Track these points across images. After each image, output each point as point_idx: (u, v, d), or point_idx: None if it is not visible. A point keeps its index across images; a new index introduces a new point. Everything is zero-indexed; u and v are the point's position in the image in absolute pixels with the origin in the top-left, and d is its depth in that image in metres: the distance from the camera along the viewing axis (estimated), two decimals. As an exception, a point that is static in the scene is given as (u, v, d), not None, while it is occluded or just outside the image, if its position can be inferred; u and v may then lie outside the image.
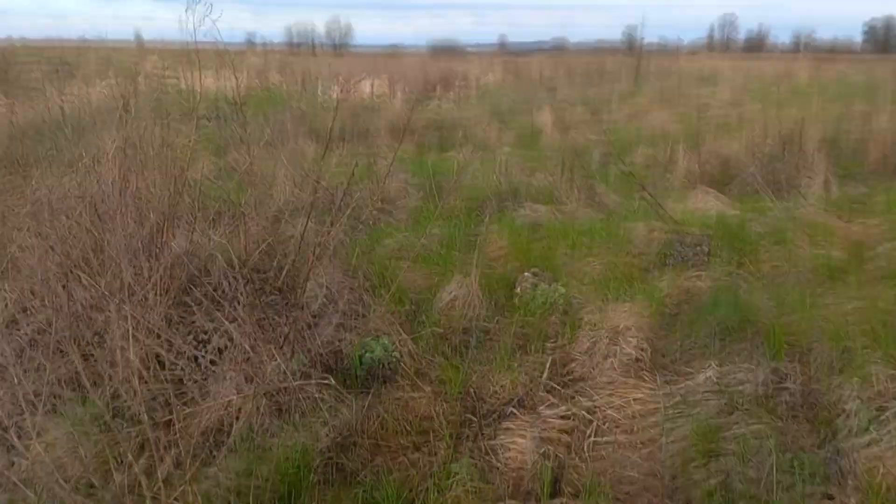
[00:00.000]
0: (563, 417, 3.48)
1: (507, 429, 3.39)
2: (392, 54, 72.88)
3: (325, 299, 4.47)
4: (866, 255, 5.77)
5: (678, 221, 6.36)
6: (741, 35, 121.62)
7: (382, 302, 4.42)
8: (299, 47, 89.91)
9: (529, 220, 6.70)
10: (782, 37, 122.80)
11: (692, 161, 8.85)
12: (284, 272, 4.51)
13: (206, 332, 3.81)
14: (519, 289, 4.97)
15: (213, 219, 5.17)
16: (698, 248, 5.71)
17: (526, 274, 5.08)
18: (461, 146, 12.08)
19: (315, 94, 18.31)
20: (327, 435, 3.29)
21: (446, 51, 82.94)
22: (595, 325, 4.35)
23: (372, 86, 20.11)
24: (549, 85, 22.52)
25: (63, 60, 32.73)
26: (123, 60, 37.22)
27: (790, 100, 17.70)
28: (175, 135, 5.74)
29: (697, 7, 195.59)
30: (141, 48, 61.67)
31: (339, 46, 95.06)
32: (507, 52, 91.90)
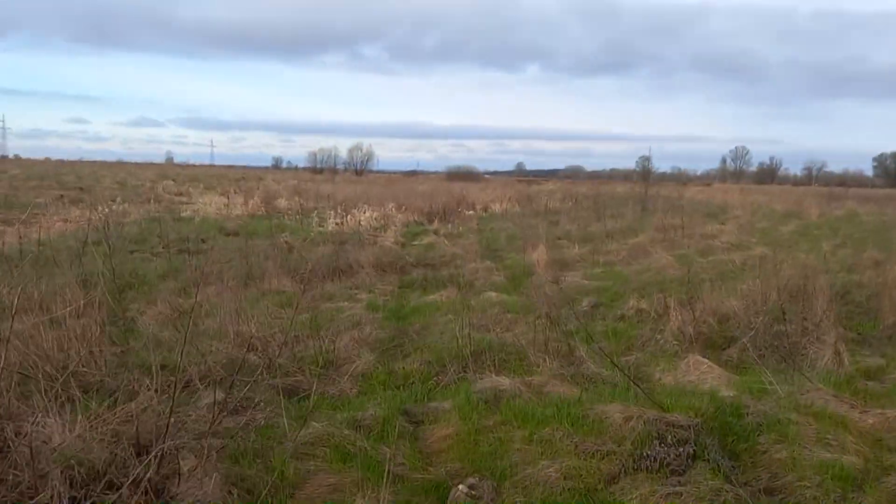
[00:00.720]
0: None
1: None
2: (407, 179, 74.06)
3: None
4: (886, 460, 4.71)
5: (662, 406, 5.35)
6: (752, 166, 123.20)
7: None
8: (321, 171, 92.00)
9: (490, 394, 5.72)
10: (793, 168, 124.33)
11: (686, 319, 7.90)
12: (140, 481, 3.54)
13: None
14: (451, 508, 3.95)
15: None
16: (682, 448, 4.67)
17: (461, 487, 4.06)
18: (446, 287, 11.24)
19: (310, 224, 17.72)
20: None
21: (462, 175, 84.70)
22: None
23: (367, 215, 19.59)
24: (553, 218, 21.93)
25: (77, 184, 33.05)
26: (139, 184, 37.57)
27: (798, 241, 16.94)
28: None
29: (711, 141, 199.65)
30: (163, 170, 63.04)
31: (361, 170, 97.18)
32: (523, 178, 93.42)
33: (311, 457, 4.37)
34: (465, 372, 6.34)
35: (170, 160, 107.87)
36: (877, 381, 6.58)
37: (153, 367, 4.91)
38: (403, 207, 26.38)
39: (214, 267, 11.94)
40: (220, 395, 5.15)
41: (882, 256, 13.30)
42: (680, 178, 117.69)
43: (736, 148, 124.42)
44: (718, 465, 4.53)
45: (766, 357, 7.18)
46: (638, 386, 5.65)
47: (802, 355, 7.00)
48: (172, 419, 3.70)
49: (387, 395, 5.76)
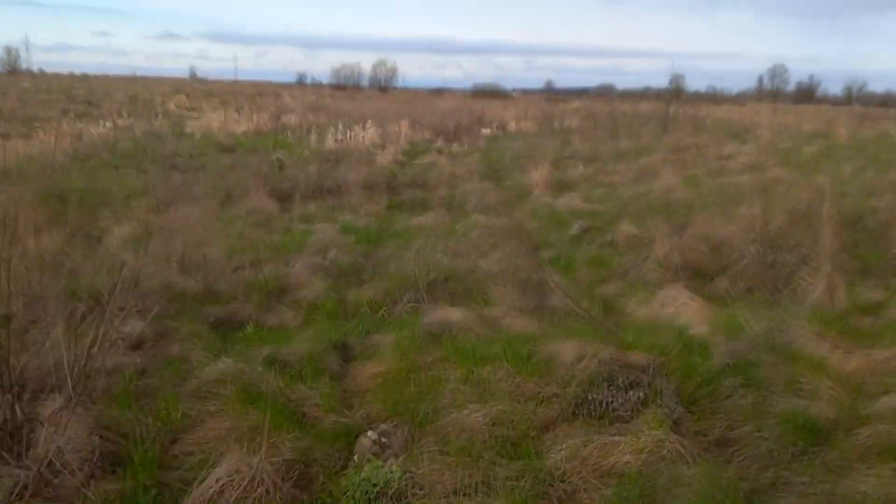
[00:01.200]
0: None
1: None
2: (431, 97, 72.60)
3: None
4: (862, 410, 4.19)
5: (623, 344, 4.84)
6: (791, 86, 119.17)
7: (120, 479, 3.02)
8: (345, 87, 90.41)
9: (438, 328, 5.25)
10: (833, 88, 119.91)
11: (674, 246, 7.30)
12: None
13: None
14: (357, 457, 3.54)
15: None
16: (631, 392, 4.19)
17: (368, 435, 3.64)
18: (436, 209, 10.71)
19: (308, 142, 17.12)
20: None
21: (488, 93, 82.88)
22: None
23: (370, 132, 18.91)
24: (567, 137, 21.07)
25: (87, 98, 32.55)
26: (151, 99, 36.97)
27: (820, 162, 16.01)
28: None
29: (749, 59, 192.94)
30: (182, 85, 62.28)
31: (385, 87, 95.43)
32: (551, 96, 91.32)
33: (214, 396, 3.96)
34: (420, 303, 5.86)
35: (193, 75, 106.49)
36: (873, 317, 5.99)
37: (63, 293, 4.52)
38: (416, 125, 25.60)
39: (195, 184, 11.53)
40: (137, 326, 4.76)
41: (905, 180, 12.45)
42: (714, 98, 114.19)
43: (774, 66, 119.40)
44: (670, 412, 4.05)
45: (756, 289, 6.61)
46: (595, 320, 5.13)
47: (795, 288, 6.41)
48: (34, 359, 3.27)
49: (327, 327, 5.32)
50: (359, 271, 6.93)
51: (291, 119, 27.07)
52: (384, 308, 5.82)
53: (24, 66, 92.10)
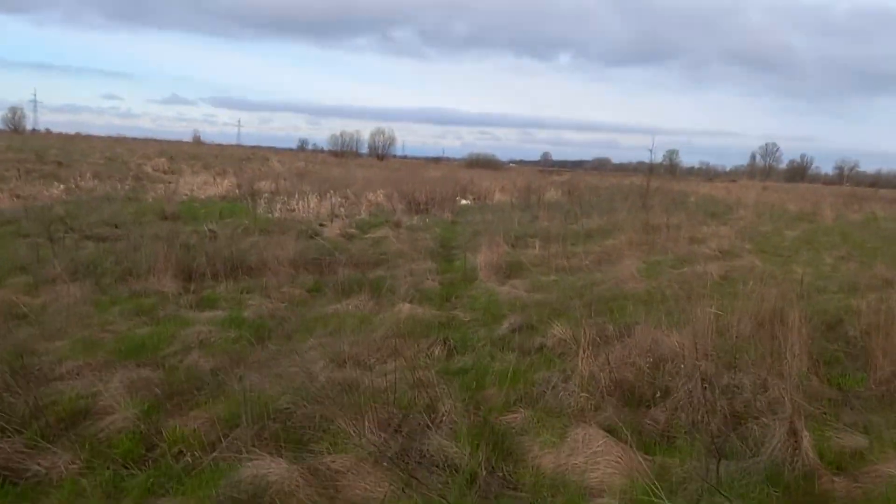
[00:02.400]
0: None
1: None
2: (427, 165, 72.17)
3: None
4: None
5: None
6: (783, 164, 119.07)
7: None
8: (344, 154, 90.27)
9: (247, 490, 3.72)
10: (825, 167, 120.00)
11: (605, 361, 5.80)
12: None
13: None
14: None
15: None
16: None
17: None
18: (362, 293, 9.25)
19: (256, 210, 15.76)
20: None
21: (482, 164, 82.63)
22: None
23: (332, 201, 17.60)
24: (539, 212, 19.78)
25: (59, 158, 31.39)
26: (129, 159, 35.95)
27: (800, 249, 14.62)
28: None
29: (742, 136, 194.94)
30: (170, 147, 61.63)
31: (382, 155, 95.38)
32: (546, 168, 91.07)
33: None
34: (243, 446, 4.32)
35: (197, 138, 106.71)
36: (849, 478, 4.46)
37: None
38: (393, 194, 24.41)
39: (99, 259, 10.13)
40: None
41: (892, 274, 11.01)
42: (707, 173, 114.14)
43: (766, 144, 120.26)
44: None
45: (701, 425, 5.09)
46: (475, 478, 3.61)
47: (748, 433, 4.89)
48: None
49: (92, 486, 3.78)
50: (199, 388, 5.40)
51: (263, 185, 25.91)
52: (193, 453, 4.28)
53: (30, 125, 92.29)
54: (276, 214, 15.40)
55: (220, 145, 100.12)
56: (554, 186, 36.42)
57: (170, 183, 25.67)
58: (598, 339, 6.52)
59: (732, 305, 8.10)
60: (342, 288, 9.52)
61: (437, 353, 6.65)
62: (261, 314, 8.00)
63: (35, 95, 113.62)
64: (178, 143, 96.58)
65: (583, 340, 5.92)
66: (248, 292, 9.17)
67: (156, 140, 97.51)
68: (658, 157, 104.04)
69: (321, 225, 14.31)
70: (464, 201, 27.56)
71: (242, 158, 45.95)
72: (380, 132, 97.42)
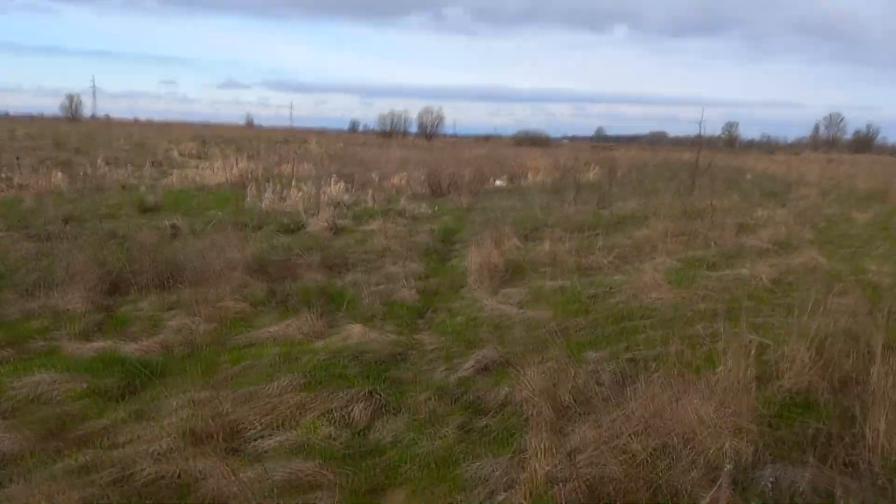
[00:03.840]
0: None
1: None
2: (475, 144, 69.98)
3: None
4: None
5: None
6: (847, 134, 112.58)
7: None
8: (391, 134, 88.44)
9: None
10: (893, 136, 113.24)
11: (581, 446, 3.73)
12: None
13: None
14: None
15: None
16: None
17: None
18: (311, 308, 7.33)
19: (242, 200, 13.95)
20: None
21: (531, 140, 79.89)
22: None
23: (336, 187, 15.68)
24: (567, 195, 17.49)
25: (77, 146, 30.18)
26: (158, 145, 34.74)
27: (873, 240, 12.04)
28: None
29: (805, 108, 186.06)
30: (217, 131, 60.81)
31: (430, 134, 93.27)
32: (599, 144, 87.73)
33: None
34: None
35: (250, 122, 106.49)
36: None
37: None
38: (421, 176, 22.44)
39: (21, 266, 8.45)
40: None
41: None
42: (768, 146, 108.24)
43: (830, 115, 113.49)
44: None
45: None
46: None
47: None
48: None
49: None
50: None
51: (282, 169, 24.21)
52: None
53: (89, 112, 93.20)
54: (265, 204, 13.56)
55: (272, 128, 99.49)
56: (599, 164, 33.91)
57: (195, 167, 24.23)
58: (579, 398, 4.46)
59: (785, 329, 5.94)
60: (290, 302, 7.61)
61: (356, 414, 4.66)
62: (159, 346, 6.14)
63: (94, 82, 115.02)
64: (232, 127, 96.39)
65: (545, 409, 3.85)
66: (173, 308, 7.34)
67: (212, 125, 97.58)
68: (716, 131, 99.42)
69: (313, 216, 12.40)
70: (498, 182, 25.48)
71: (279, 141, 44.47)
72: (428, 111, 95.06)
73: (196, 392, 4.88)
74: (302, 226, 11.80)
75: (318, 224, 11.63)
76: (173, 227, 10.76)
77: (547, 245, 10.09)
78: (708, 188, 18.67)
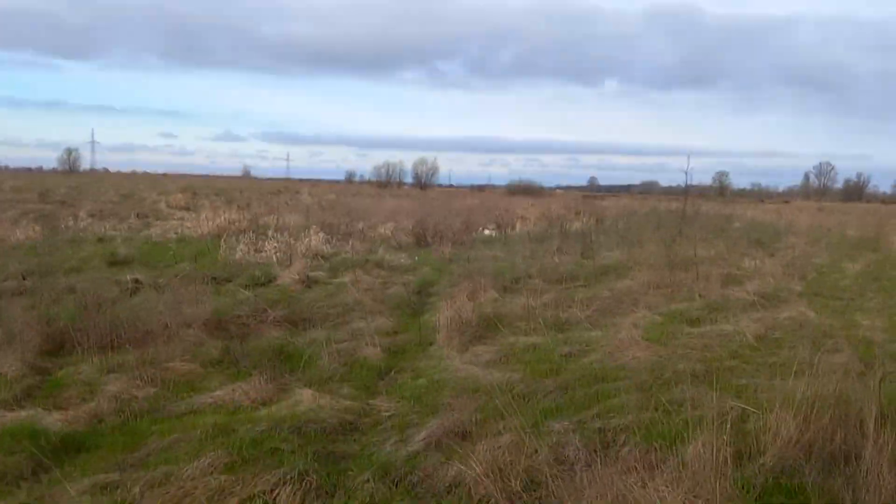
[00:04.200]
0: None
1: None
2: (469, 194, 69.91)
3: None
4: None
5: None
6: (838, 183, 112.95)
7: None
8: (387, 185, 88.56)
9: None
10: (883, 185, 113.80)
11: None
12: None
13: None
14: None
15: None
16: None
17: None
18: (263, 370, 6.80)
19: (217, 251, 13.46)
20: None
21: (524, 190, 79.98)
22: None
23: (315, 237, 15.22)
24: (552, 244, 17.07)
25: (67, 197, 29.84)
26: (147, 197, 34.40)
27: (865, 290, 11.56)
28: None
29: (795, 157, 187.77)
30: (227, 183, 60.63)
31: (425, 184, 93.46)
32: (590, 194, 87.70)
33: None
34: None
35: (247, 174, 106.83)
36: None
37: None
38: (403, 227, 22.08)
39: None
40: None
41: None
42: (759, 195, 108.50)
43: (820, 164, 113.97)
44: None
45: None
46: None
47: None
48: None
49: None
50: None
51: (268, 220, 23.81)
52: None
53: (88, 165, 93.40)
54: (239, 255, 13.07)
55: (269, 179, 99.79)
56: (588, 213, 33.64)
57: (180, 218, 23.83)
58: (534, 481, 3.91)
59: (769, 393, 5.44)
60: (242, 363, 7.07)
61: (282, 500, 4.09)
62: (87, 415, 5.59)
63: (93, 136, 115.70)
64: (229, 178, 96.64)
65: (495, 493, 3.30)
66: (115, 371, 6.78)
67: (209, 176, 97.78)
68: (706, 180, 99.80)
69: (287, 268, 11.90)
70: (487, 231, 25.12)
71: (272, 192, 44.18)
72: (422, 161, 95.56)
73: (106, 474, 4.32)
74: (273, 278, 11.30)
75: (289, 276, 11.13)
76: (135, 281, 10.26)
77: (523, 298, 9.57)
78: (695, 236, 18.28)
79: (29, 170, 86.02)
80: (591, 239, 18.95)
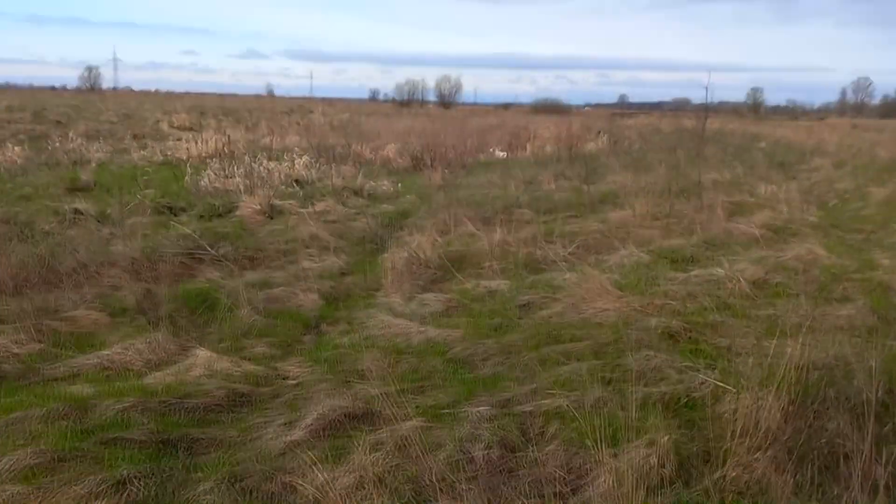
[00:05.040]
0: None
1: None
2: (491, 112, 67.82)
3: None
4: None
5: None
6: (876, 99, 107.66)
7: None
8: (408, 103, 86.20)
9: None
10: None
11: None
12: None
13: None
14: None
15: None
16: None
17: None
18: (183, 320, 5.86)
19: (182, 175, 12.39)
20: None
21: (550, 108, 77.45)
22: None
23: (302, 160, 14.10)
24: (555, 168, 15.76)
25: (58, 119, 28.59)
26: (151, 116, 33.29)
27: (889, 221, 10.19)
28: None
29: (833, 72, 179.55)
30: (246, 102, 59.38)
31: (448, 103, 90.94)
32: (619, 111, 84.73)
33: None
34: None
35: (270, 93, 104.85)
36: None
37: None
38: (410, 148, 20.80)
39: None
40: None
41: None
42: (793, 113, 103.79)
43: (858, 79, 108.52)
44: None
45: None
46: None
47: None
48: None
49: None
50: None
51: (265, 141, 22.66)
52: None
53: (112, 83, 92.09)
54: (204, 183, 12.00)
55: (292, 98, 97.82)
56: (608, 133, 31.92)
57: (178, 139, 22.73)
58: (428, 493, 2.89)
59: (754, 360, 4.35)
60: (152, 313, 6.09)
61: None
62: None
63: (115, 54, 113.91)
64: (251, 97, 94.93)
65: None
66: (3, 322, 5.85)
67: (231, 95, 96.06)
68: (740, 97, 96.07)
69: (245, 195, 10.83)
70: (499, 153, 23.80)
71: (284, 111, 42.72)
72: (446, 79, 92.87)
73: None
74: (234, 208, 10.25)
75: (250, 207, 10.06)
76: (75, 212, 9.28)
77: (498, 234, 8.42)
78: (710, 159, 16.82)
79: (53, 88, 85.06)
80: (599, 162, 17.60)
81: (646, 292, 6.01)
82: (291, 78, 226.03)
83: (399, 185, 13.20)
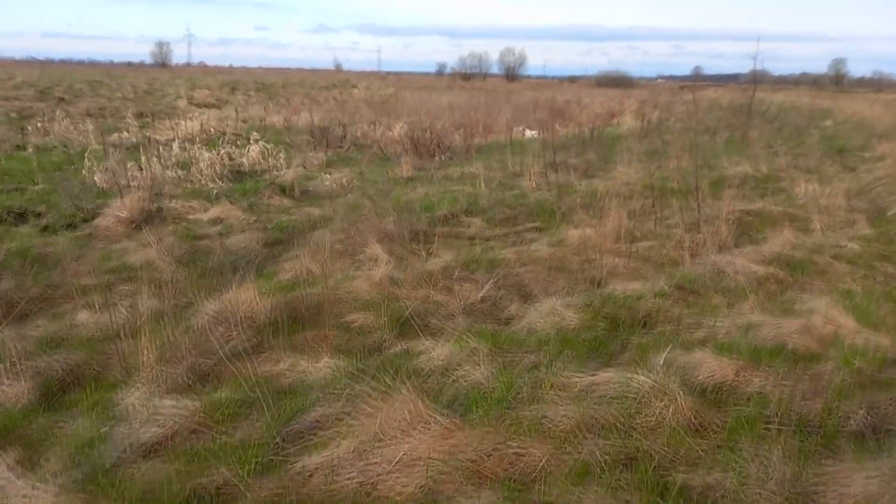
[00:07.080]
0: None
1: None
2: (556, 85, 64.02)
3: None
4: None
5: None
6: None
7: None
8: (471, 77, 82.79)
9: None
10: None
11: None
12: None
13: None
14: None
15: None
16: None
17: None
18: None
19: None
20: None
21: (614, 81, 72.87)
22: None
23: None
24: (566, 155, 12.84)
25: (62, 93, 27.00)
26: (172, 92, 31.54)
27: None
28: None
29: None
30: (286, 76, 57.72)
31: (512, 76, 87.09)
32: (691, 84, 79.06)
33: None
34: None
35: (338, 67, 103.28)
36: None
37: None
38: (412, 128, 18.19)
39: None
40: None
41: None
42: (878, 84, 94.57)
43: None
44: None
45: None
46: None
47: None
48: None
49: None
50: None
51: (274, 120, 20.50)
52: None
53: (185, 59, 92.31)
54: (98, 177, 9.72)
55: (360, 72, 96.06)
56: (659, 109, 28.42)
57: (197, 116, 20.79)
58: None
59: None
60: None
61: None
62: None
63: (189, 29, 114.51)
64: (321, 71, 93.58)
65: None
66: None
67: (300, 70, 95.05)
68: (822, 68, 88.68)
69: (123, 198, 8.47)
70: (529, 132, 21.03)
71: (325, 86, 40.47)
72: (509, 52, 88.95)
73: None
74: (96, 215, 7.93)
75: (115, 214, 7.71)
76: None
77: (382, 269, 5.80)
78: (757, 143, 13.57)
79: (129, 64, 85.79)
80: (622, 146, 14.62)
81: (499, 426, 3.31)
82: (360, 52, 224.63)
83: (360, 176, 10.64)
